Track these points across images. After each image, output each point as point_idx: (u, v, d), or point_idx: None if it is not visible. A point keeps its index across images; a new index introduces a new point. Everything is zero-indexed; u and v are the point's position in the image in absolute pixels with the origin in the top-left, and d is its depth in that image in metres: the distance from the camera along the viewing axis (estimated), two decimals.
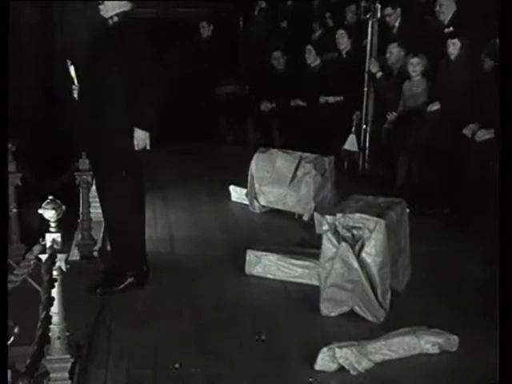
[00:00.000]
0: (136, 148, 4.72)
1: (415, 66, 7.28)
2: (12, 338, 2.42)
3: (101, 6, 4.74)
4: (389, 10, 8.08)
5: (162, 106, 4.80)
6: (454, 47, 6.69)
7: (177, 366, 3.84)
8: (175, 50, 10.41)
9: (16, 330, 2.42)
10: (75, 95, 4.88)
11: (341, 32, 8.70)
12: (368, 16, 7.74)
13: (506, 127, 2.92)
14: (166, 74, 4.87)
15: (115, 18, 4.74)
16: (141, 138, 4.72)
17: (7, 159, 4.64)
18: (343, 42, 8.67)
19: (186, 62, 10.39)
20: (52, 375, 3.51)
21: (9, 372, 2.44)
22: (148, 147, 4.76)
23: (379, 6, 7.60)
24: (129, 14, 4.77)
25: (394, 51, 7.78)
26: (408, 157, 7.08)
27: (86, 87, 4.78)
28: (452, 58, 6.78)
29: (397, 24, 8.17)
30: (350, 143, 8.05)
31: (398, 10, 8.11)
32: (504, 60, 3.14)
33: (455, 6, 7.39)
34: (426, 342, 3.95)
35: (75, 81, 4.84)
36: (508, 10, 3.08)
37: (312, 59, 8.98)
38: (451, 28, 7.21)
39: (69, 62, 4.84)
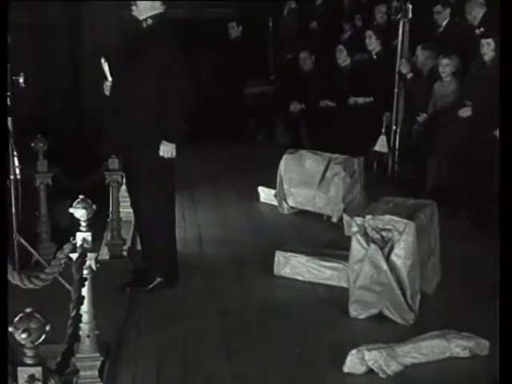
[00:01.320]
0: (162, 155, 4.74)
1: (445, 66, 7.22)
2: (43, 336, 2.44)
3: (133, 7, 4.69)
4: (439, 7, 8.00)
5: (190, 120, 4.80)
6: (487, 47, 6.59)
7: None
8: (204, 51, 10.43)
9: (47, 328, 2.44)
10: (106, 92, 4.89)
11: (369, 33, 8.64)
12: (399, 16, 7.69)
13: (506, 127, 2.89)
14: (197, 85, 4.83)
15: (149, 21, 4.69)
16: (167, 148, 4.73)
17: (6, 161, 4.66)
18: (371, 42, 8.60)
19: (215, 63, 10.40)
20: (82, 373, 3.54)
21: (40, 369, 2.47)
22: (174, 156, 4.77)
23: (410, 6, 7.54)
24: (163, 16, 4.72)
25: (419, 54, 7.73)
26: (438, 158, 7.02)
27: (118, 87, 4.78)
28: (485, 58, 6.70)
29: (444, 23, 8.07)
30: (381, 144, 8.00)
31: (448, 9, 8.02)
32: (504, 60, 3.10)
33: (484, 7, 7.32)
34: (456, 346, 3.91)
35: (108, 77, 4.85)
36: (508, 10, 3.05)
37: (343, 59, 8.92)
38: (482, 29, 7.14)
39: (103, 59, 4.84)
